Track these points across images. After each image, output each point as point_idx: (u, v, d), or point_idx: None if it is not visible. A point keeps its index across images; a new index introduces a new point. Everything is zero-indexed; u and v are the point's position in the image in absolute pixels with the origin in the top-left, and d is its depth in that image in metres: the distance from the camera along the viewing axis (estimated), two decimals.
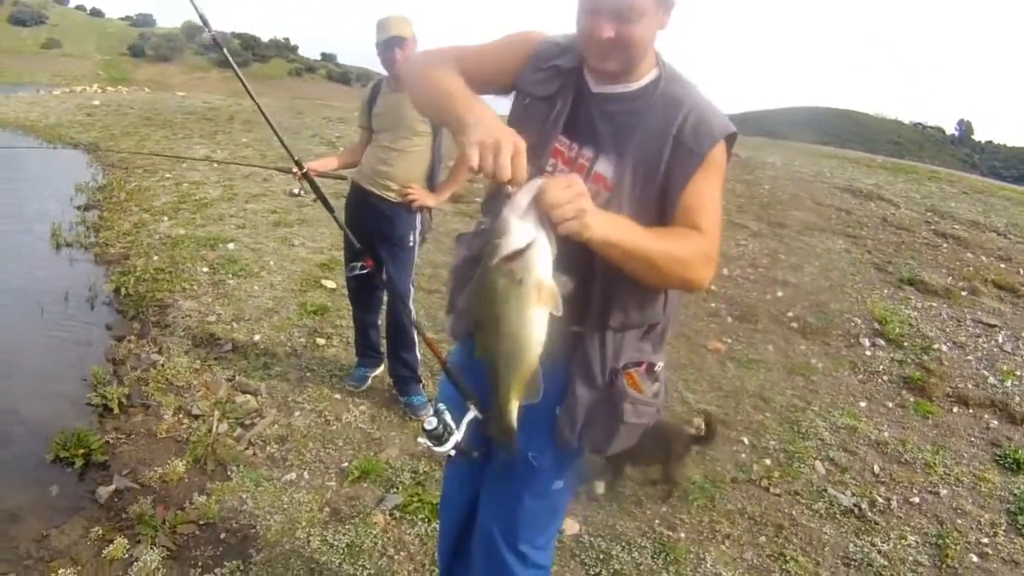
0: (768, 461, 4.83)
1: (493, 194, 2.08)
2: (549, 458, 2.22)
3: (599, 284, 2.01)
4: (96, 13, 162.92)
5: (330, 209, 3.93)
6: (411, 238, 4.82)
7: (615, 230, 1.77)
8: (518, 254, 1.61)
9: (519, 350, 1.71)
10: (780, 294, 7.68)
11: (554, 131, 2.07)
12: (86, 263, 8.60)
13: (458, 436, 2.18)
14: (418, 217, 4.83)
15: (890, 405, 5.79)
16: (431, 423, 2.12)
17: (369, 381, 5.33)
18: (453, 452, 2.18)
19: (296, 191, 4.96)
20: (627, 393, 2.10)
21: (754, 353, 6.45)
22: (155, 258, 8.33)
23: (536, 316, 1.66)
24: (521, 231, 1.60)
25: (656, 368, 2.20)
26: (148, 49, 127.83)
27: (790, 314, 7.23)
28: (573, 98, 2.07)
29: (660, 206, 1.98)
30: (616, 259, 1.82)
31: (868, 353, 6.60)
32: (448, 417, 2.17)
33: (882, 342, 6.79)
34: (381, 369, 5.35)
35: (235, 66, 3.54)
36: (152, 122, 21.53)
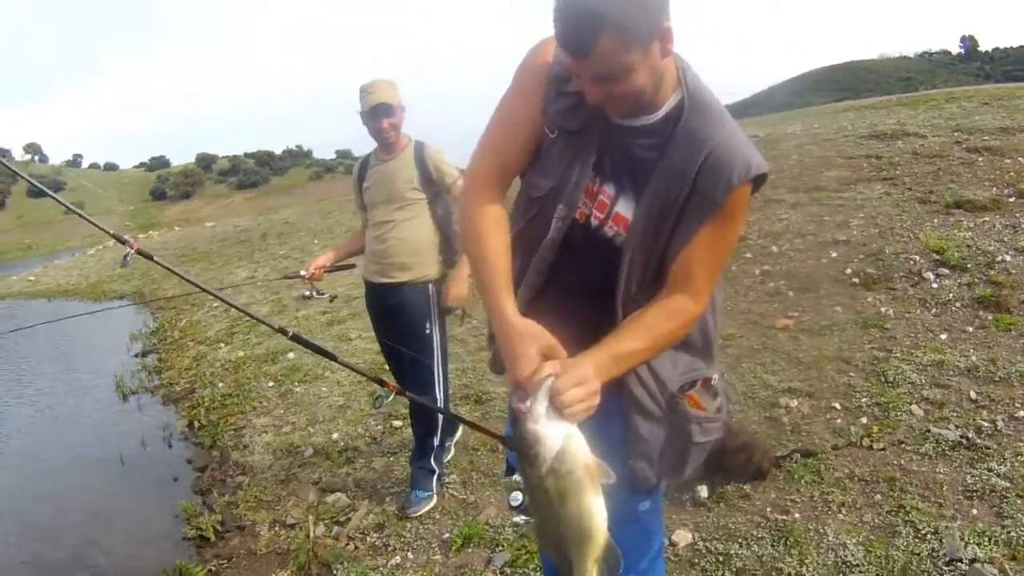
0: (864, 419, 4.81)
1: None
2: (627, 490, 2.11)
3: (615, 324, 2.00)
4: (111, 167, 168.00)
5: (331, 356, 3.59)
6: (426, 325, 4.57)
7: (615, 369, 1.84)
8: (560, 454, 1.66)
9: (590, 536, 1.73)
10: (834, 255, 7.68)
11: (585, 168, 1.98)
12: (155, 405, 8.93)
13: None
14: (430, 296, 4.57)
15: (970, 329, 5.77)
16: (516, 498, 2.08)
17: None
18: None
19: (308, 293, 4.89)
20: (691, 415, 2.09)
21: (823, 319, 6.46)
22: (220, 385, 8.61)
23: (597, 499, 1.70)
24: (551, 435, 1.65)
25: (713, 381, 2.16)
26: (169, 189, 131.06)
27: (848, 271, 7.24)
28: (600, 130, 1.96)
29: (667, 250, 1.96)
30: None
31: (935, 285, 6.60)
32: None
33: (945, 271, 6.79)
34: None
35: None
36: (189, 257, 22.15)
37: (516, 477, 2.01)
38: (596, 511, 1.70)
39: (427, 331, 4.56)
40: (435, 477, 4.90)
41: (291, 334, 3.19)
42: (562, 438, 1.65)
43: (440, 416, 4.82)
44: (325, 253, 4.92)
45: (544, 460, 1.65)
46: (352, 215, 21.01)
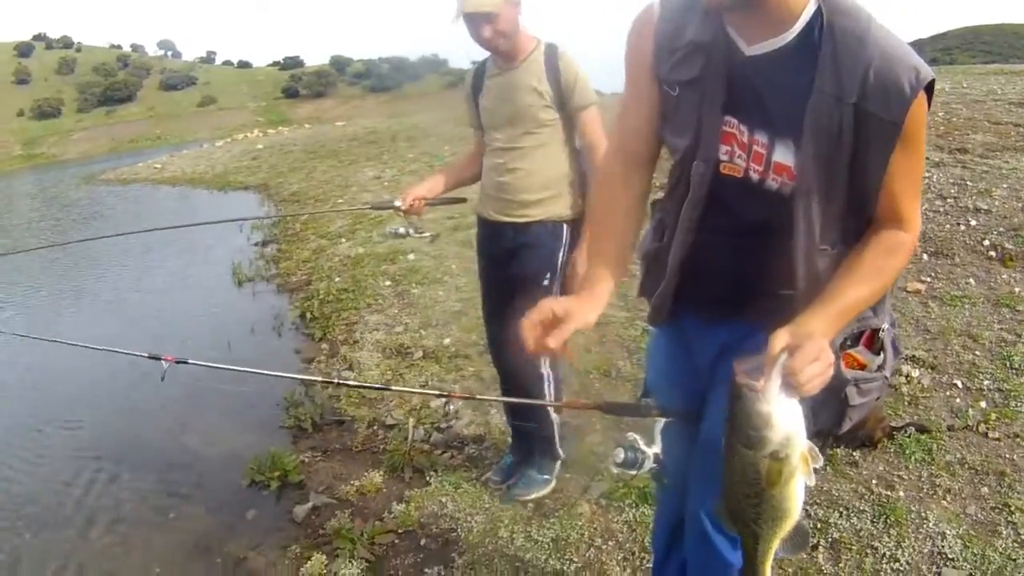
0: (983, 404, 4.49)
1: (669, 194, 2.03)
2: None
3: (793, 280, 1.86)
4: (244, 65, 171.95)
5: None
6: (546, 275, 3.56)
7: (841, 324, 1.71)
8: (786, 439, 1.56)
9: (787, 516, 1.66)
10: (973, 223, 7.21)
11: (714, 115, 1.81)
12: (269, 294, 9.09)
13: (655, 449, 2.21)
14: (563, 241, 3.57)
15: None
16: (619, 456, 2.12)
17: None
18: (654, 467, 2.20)
19: (402, 230, 4.10)
20: (846, 378, 1.90)
21: (956, 289, 6.09)
22: (337, 279, 8.67)
23: (801, 484, 1.62)
24: (782, 417, 1.54)
25: (880, 333, 1.97)
26: (301, 88, 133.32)
27: (986, 242, 6.79)
28: (727, 71, 1.77)
29: (852, 190, 1.76)
30: None
31: None
32: (639, 443, 2.17)
33: None
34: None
35: None
36: (317, 154, 22.51)
37: (630, 435, 2.14)
38: (799, 495, 1.64)
39: (545, 283, 3.56)
40: (558, 463, 4.12)
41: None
42: (790, 422, 1.55)
43: (550, 386, 3.87)
44: (427, 181, 3.87)
45: (769, 443, 1.56)
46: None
